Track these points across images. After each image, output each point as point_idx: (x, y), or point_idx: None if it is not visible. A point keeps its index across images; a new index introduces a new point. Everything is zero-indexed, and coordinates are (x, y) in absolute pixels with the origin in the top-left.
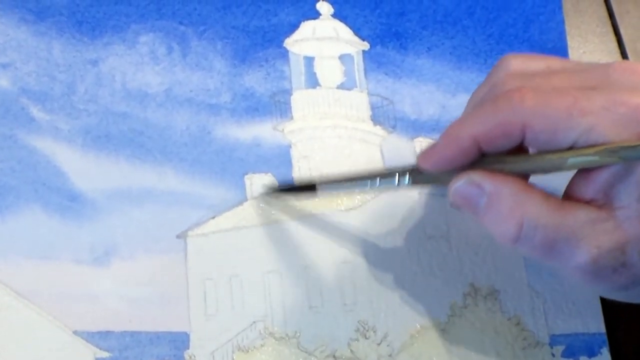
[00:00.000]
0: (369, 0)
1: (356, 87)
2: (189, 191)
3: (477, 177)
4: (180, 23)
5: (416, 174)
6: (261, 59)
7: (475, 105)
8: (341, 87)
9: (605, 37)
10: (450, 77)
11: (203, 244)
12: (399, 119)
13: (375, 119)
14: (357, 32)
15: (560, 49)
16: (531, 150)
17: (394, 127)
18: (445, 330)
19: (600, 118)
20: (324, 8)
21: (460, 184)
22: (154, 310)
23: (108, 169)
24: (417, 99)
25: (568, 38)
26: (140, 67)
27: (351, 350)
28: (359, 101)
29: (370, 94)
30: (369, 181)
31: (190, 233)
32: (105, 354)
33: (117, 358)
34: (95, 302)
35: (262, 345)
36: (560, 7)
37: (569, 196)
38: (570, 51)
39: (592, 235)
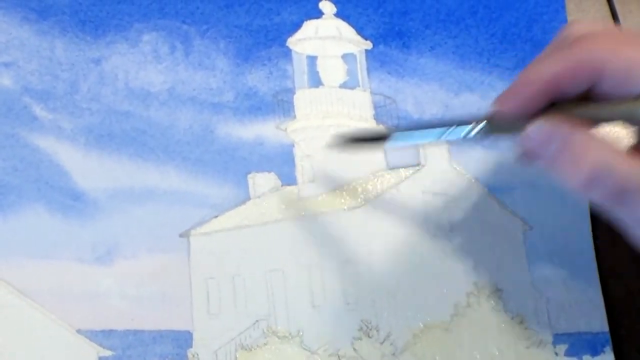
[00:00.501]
0: None
1: (359, 86)
2: (191, 190)
3: (551, 121)
4: (183, 22)
5: (490, 123)
6: (264, 58)
7: (545, 51)
8: (344, 86)
9: None
10: (453, 76)
11: (206, 243)
12: (402, 118)
13: (378, 118)
14: (359, 31)
15: None
16: (599, 99)
17: (396, 126)
18: (448, 329)
19: None
20: (327, 7)
21: (535, 127)
22: (156, 309)
23: (111, 167)
24: (420, 98)
25: None
26: (143, 66)
27: (354, 349)
28: (361, 100)
29: (372, 93)
30: (442, 130)
31: (193, 232)
32: (108, 353)
33: (120, 357)
34: (98, 301)
35: (265, 344)
36: (563, 7)
37: (638, 147)
38: None
39: None
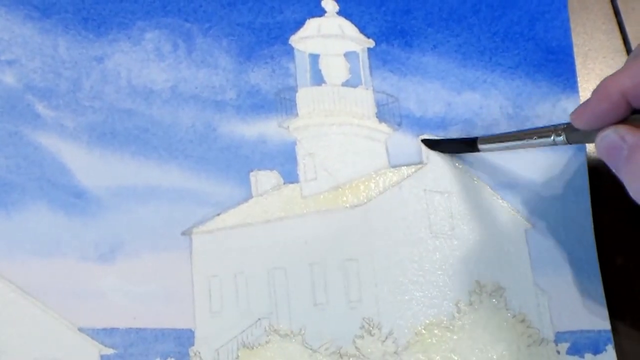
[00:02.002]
0: None
1: (361, 84)
2: (194, 188)
3: (621, 129)
4: (186, 20)
5: (570, 132)
6: (266, 56)
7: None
8: (346, 84)
9: (611, 35)
10: (455, 75)
11: (208, 241)
12: (405, 116)
13: (381, 117)
14: (362, 29)
15: (565, 47)
16: None
17: (399, 125)
18: (450, 327)
19: None
20: (329, 5)
21: (605, 134)
22: (159, 307)
23: (113, 166)
24: (423, 96)
25: (573, 35)
26: (146, 64)
27: (356, 347)
28: (364, 98)
29: (375, 92)
30: (526, 139)
31: (195, 230)
32: (110, 351)
33: (122, 355)
34: (101, 299)
35: (267, 342)
36: (565, 5)
37: None
38: (575, 48)
39: None
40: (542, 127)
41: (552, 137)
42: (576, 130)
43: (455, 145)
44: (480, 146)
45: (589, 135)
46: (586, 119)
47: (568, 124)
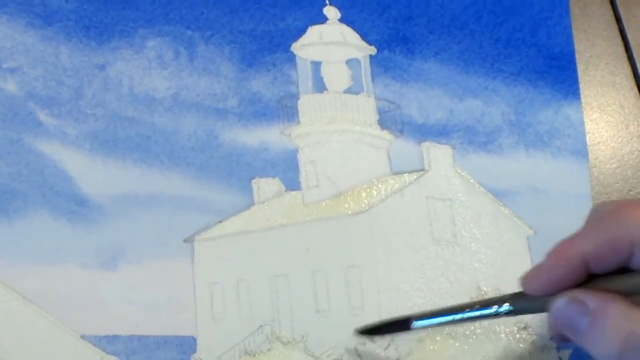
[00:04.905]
0: (376, 4)
1: (363, 91)
2: (196, 195)
3: (580, 294)
4: (188, 28)
5: (517, 301)
6: (268, 63)
7: (580, 228)
8: (348, 91)
9: (612, 41)
10: (457, 82)
11: (210, 248)
12: (406, 123)
13: (383, 123)
14: (364, 36)
15: (567, 53)
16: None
17: (401, 131)
18: (452, 334)
19: None
20: (331, 13)
21: (562, 302)
22: (161, 315)
23: (115, 173)
24: (424, 103)
25: (575, 42)
26: (148, 72)
27: (358, 354)
28: (366, 105)
29: (377, 98)
30: (467, 312)
31: (197, 237)
32: (112, 358)
33: None
34: (103, 307)
35: (269, 349)
36: (567, 12)
37: None
38: (577, 55)
39: None
40: (484, 300)
41: (493, 309)
42: (524, 297)
43: (387, 327)
44: (414, 324)
45: (539, 302)
46: (540, 284)
47: (514, 293)
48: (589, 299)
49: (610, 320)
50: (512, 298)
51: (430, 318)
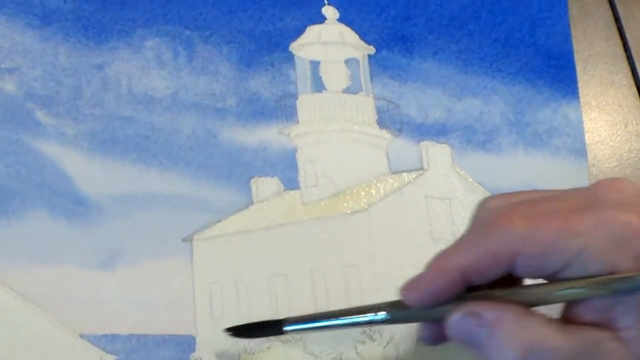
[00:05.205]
0: (374, 4)
1: (362, 91)
2: (195, 195)
3: (475, 307)
4: (186, 27)
5: (395, 310)
6: (267, 63)
7: (459, 238)
8: (347, 91)
9: (611, 41)
10: (456, 81)
11: (209, 247)
12: (405, 122)
13: (381, 123)
14: (362, 36)
15: (566, 52)
16: (519, 279)
17: (399, 131)
18: None
19: (592, 237)
20: (330, 12)
21: (458, 316)
22: (160, 314)
23: (114, 173)
24: (423, 102)
25: (574, 41)
26: (146, 72)
27: (357, 353)
28: (364, 105)
29: (376, 98)
30: (342, 319)
31: (196, 237)
32: (111, 357)
33: None
34: (101, 306)
35: (268, 348)
36: (566, 11)
37: (568, 318)
38: (576, 54)
39: (599, 357)
40: (360, 306)
41: (369, 316)
42: (403, 308)
43: (259, 329)
44: (286, 328)
45: (417, 314)
46: (419, 296)
47: (392, 302)
48: (485, 310)
49: (506, 330)
50: (390, 307)
51: (303, 323)
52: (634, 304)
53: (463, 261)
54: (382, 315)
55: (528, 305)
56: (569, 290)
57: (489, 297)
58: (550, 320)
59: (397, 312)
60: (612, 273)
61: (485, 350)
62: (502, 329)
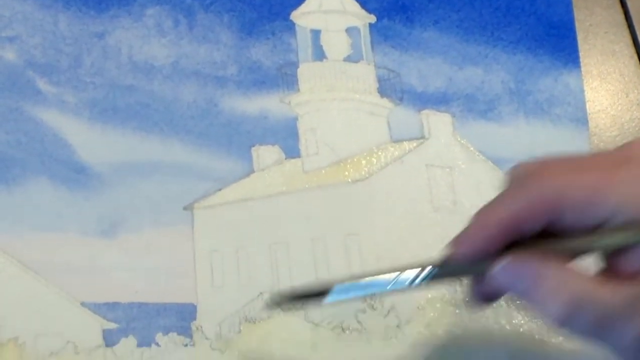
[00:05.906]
0: None
1: (363, 59)
2: (195, 163)
3: (521, 257)
4: None
5: (442, 267)
6: (268, 31)
7: (499, 194)
8: (348, 59)
9: (612, 9)
10: (457, 50)
11: (210, 216)
12: (406, 91)
13: (382, 92)
14: (363, 5)
15: (566, 22)
16: (564, 230)
17: (400, 100)
18: (452, 301)
19: (632, 188)
20: None
21: (504, 265)
22: (160, 282)
23: (114, 141)
24: (424, 71)
25: (575, 10)
26: (147, 40)
27: (358, 321)
28: (365, 74)
29: (377, 67)
30: (387, 279)
31: (197, 205)
32: (112, 325)
33: (124, 329)
34: (102, 274)
35: (269, 317)
36: None
37: (609, 272)
38: (577, 23)
39: None
40: (407, 264)
41: (418, 272)
42: (447, 266)
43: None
44: (334, 289)
45: (464, 269)
46: (467, 248)
47: (438, 259)
48: (530, 260)
49: (550, 283)
50: (439, 263)
51: (351, 288)
52: None
53: (506, 213)
54: (429, 270)
55: (573, 254)
56: (613, 239)
57: (533, 248)
58: (592, 274)
59: (445, 268)
60: None
61: (531, 299)
62: (546, 281)
